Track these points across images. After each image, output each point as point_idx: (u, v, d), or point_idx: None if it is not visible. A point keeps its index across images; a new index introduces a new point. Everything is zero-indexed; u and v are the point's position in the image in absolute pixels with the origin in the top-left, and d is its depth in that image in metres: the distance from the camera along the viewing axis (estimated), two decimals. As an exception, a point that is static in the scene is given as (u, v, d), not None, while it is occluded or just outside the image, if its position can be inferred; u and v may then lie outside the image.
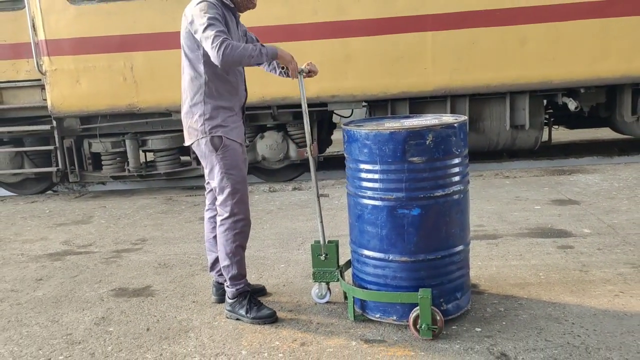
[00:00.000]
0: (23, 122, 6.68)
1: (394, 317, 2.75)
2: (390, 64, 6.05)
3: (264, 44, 2.84)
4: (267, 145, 6.70)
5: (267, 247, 4.17)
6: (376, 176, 2.68)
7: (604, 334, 2.57)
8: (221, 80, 2.90)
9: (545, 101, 6.79)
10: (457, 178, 2.72)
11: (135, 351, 2.68)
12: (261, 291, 3.29)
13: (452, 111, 6.32)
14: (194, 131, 2.94)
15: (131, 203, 6.03)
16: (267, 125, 6.77)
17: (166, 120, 6.52)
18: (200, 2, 2.82)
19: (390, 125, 2.76)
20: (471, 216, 4.54)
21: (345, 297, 2.98)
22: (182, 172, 6.79)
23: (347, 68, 6.12)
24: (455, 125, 2.66)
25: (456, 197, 2.72)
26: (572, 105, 6.22)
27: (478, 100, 6.34)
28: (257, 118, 6.72)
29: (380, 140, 2.62)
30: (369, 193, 2.72)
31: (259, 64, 2.90)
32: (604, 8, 5.78)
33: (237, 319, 2.95)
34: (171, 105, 6.31)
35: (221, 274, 3.09)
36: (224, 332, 2.83)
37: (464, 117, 2.79)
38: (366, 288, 2.82)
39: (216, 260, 3.13)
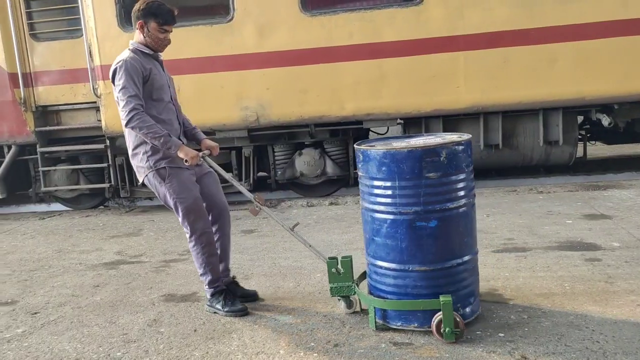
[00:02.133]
0: (79, 141, 7.17)
1: (415, 324, 2.93)
2: (424, 83, 6.27)
3: (171, 138, 3.11)
4: (305, 162, 6.98)
5: (305, 257, 4.41)
6: (395, 192, 2.85)
7: (622, 340, 2.70)
8: (156, 120, 3.16)
9: (581, 117, 6.87)
10: (465, 191, 2.93)
11: (184, 349, 2.96)
12: (253, 296, 3.57)
13: (486, 128, 6.48)
14: (141, 169, 3.29)
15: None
16: (305, 143, 7.06)
17: (210, 139, 6.87)
18: (118, 62, 3.16)
19: (399, 144, 2.95)
20: (502, 230, 4.72)
21: (362, 309, 3.18)
22: (224, 188, 7.11)
23: (382, 87, 6.36)
24: (463, 142, 2.87)
25: (465, 208, 2.93)
26: (605, 121, 6.29)
27: (511, 116, 6.47)
28: (295, 136, 7.01)
29: (398, 158, 2.81)
30: (388, 208, 2.89)
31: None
32: (634, 26, 5.86)
33: (215, 312, 3.37)
34: (215, 124, 6.68)
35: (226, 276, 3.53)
36: (263, 333, 3.07)
37: (469, 136, 2.99)
38: (386, 298, 3.00)
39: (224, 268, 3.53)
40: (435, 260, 2.88)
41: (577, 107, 6.38)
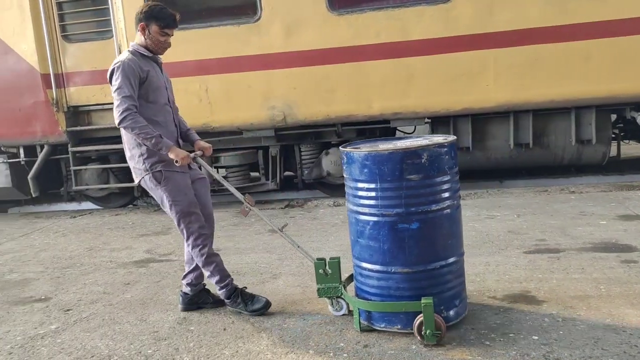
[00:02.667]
0: (109, 141, 7.27)
1: (399, 326, 2.92)
2: (452, 81, 6.19)
3: (162, 139, 3.14)
4: (332, 162, 6.96)
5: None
6: (377, 194, 2.86)
7: (662, 345, 2.62)
8: (151, 122, 3.20)
9: (614, 116, 6.71)
10: (449, 193, 2.91)
11: (214, 347, 2.97)
12: (222, 302, 3.51)
13: (516, 127, 6.37)
14: (138, 170, 3.32)
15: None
16: (332, 142, 7.04)
17: (238, 138, 6.92)
18: (116, 62, 3.22)
19: (385, 146, 2.93)
20: (533, 230, 4.63)
21: (350, 310, 3.16)
22: (251, 187, 7.15)
23: (410, 86, 6.30)
24: (446, 144, 2.86)
25: (449, 210, 2.92)
26: (640, 119, 6.13)
27: (542, 115, 6.35)
28: (322, 135, 7.00)
29: (379, 160, 2.81)
30: (370, 210, 2.89)
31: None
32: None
33: (239, 312, 3.38)
34: (242, 124, 6.71)
35: (187, 284, 3.50)
36: (292, 333, 3.07)
37: (453, 137, 2.97)
38: (370, 300, 3.00)
39: (191, 273, 3.50)
40: (417, 262, 2.88)
41: (611, 105, 6.23)
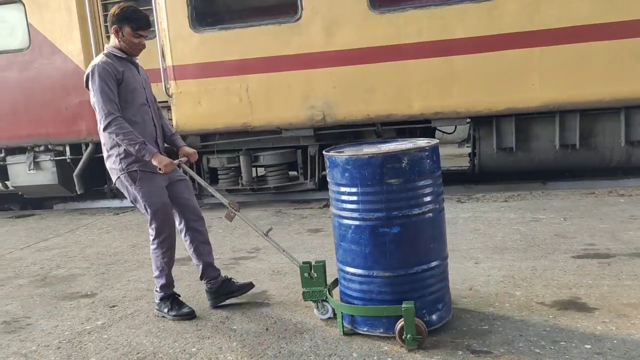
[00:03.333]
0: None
1: (381, 330, 2.93)
2: (496, 80, 6.05)
3: (146, 146, 3.18)
4: (371, 161, 6.90)
5: (373, 259, 4.34)
6: (358, 198, 2.86)
7: None
8: (130, 122, 3.23)
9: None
10: (430, 197, 2.90)
11: (257, 347, 2.97)
12: (249, 286, 3.66)
13: (562, 127, 6.20)
14: (114, 170, 3.36)
15: (244, 215, 6.45)
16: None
17: (277, 137, 6.93)
18: (91, 67, 3.23)
19: (369, 150, 2.93)
20: (582, 234, 4.50)
21: (335, 314, 3.13)
22: (290, 187, 7.17)
23: (452, 85, 6.20)
24: (427, 149, 2.85)
25: (431, 214, 2.91)
26: (695, 119, 5.88)
27: (590, 115, 6.15)
28: (361, 135, 6.95)
29: (360, 164, 2.81)
30: (352, 214, 2.90)
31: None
32: None
33: (163, 317, 3.48)
34: (282, 123, 6.72)
35: (207, 282, 3.59)
36: (335, 335, 3.04)
37: (436, 141, 2.96)
38: (353, 303, 3.00)
39: (205, 270, 3.59)
40: (398, 266, 2.87)
41: (663, 105, 6.00)
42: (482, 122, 6.51)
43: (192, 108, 6.85)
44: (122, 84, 3.24)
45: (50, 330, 3.45)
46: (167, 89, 6.88)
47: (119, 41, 3.31)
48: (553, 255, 4.05)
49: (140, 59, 7.43)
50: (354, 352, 2.83)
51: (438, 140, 2.99)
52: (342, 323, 3.03)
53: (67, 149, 7.60)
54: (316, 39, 6.41)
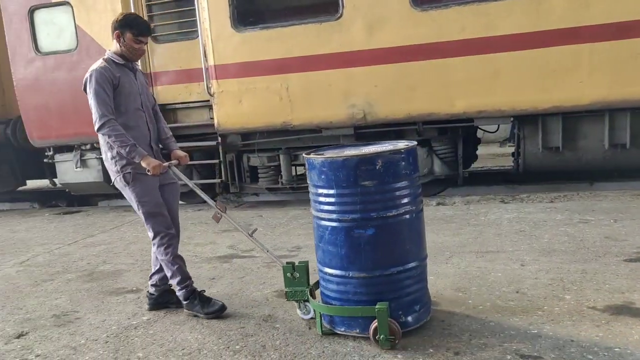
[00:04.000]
0: (194, 138, 7.50)
1: (357, 330, 2.96)
2: (542, 78, 5.90)
3: (137, 148, 3.28)
4: (412, 161, 6.83)
5: (416, 259, 4.29)
6: (333, 199, 2.91)
7: None
8: (124, 126, 3.34)
9: None
10: (407, 199, 2.92)
11: (300, 346, 2.96)
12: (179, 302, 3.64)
13: (611, 126, 6.00)
14: (112, 172, 3.47)
15: (284, 213, 6.49)
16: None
17: (316, 136, 6.92)
18: (90, 72, 3.34)
19: (344, 153, 2.96)
20: (634, 237, 4.35)
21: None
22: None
23: (495, 83, 6.07)
24: (402, 151, 2.87)
25: (407, 216, 2.92)
26: None
27: (640, 113, 5.94)
28: (402, 134, 6.89)
29: (335, 167, 2.86)
30: (329, 215, 2.94)
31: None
32: None
33: (195, 315, 3.48)
34: (322, 122, 6.72)
35: (152, 285, 3.69)
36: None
37: (413, 143, 2.97)
38: (331, 304, 3.04)
39: (153, 273, 3.69)
40: (374, 268, 2.90)
41: None
42: (526, 121, 6.36)
43: (233, 107, 6.91)
44: (118, 89, 3.35)
45: (98, 324, 3.52)
46: (208, 88, 6.96)
47: (120, 46, 3.42)
48: (604, 259, 3.92)
49: (182, 60, 7.54)
50: (398, 353, 2.79)
51: (416, 143, 3.01)
52: (321, 323, 3.07)
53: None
54: (357, 37, 6.37)
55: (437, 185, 7.06)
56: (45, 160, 8.10)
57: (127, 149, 3.28)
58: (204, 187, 7.75)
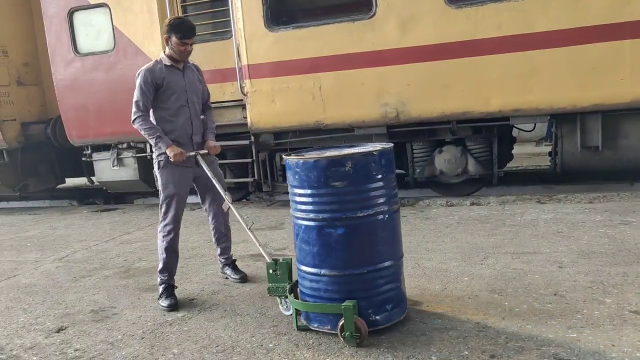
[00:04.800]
0: (227, 137, 7.57)
1: (328, 327, 3.05)
2: (581, 75, 5.75)
3: (162, 138, 3.69)
4: (445, 160, 6.76)
5: (449, 259, 4.24)
6: (307, 199, 3.02)
7: None
8: (165, 121, 3.77)
9: None
10: (380, 200, 2.99)
11: (333, 346, 2.96)
12: (244, 278, 4.13)
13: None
14: (152, 159, 3.84)
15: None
16: (446, 140, 6.83)
17: (349, 135, 6.90)
18: (139, 71, 3.74)
19: (327, 154, 3.05)
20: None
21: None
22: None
23: (532, 81, 5.94)
24: (374, 153, 2.96)
25: (380, 217, 2.99)
26: None
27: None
28: (435, 133, 6.81)
29: (307, 167, 2.97)
30: (303, 214, 3.05)
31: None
32: None
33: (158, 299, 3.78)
34: (354, 121, 6.69)
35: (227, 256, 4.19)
36: (413, 337, 2.98)
37: (389, 145, 3.08)
38: (306, 300, 3.14)
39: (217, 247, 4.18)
40: (344, 266, 2.99)
41: None
42: (564, 120, 6.22)
43: (266, 106, 6.95)
44: (162, 89, 3.72)
45: (134, 320, 3.59)
46: (242, 88, 7.02)
47: (169, 49, 3.74)
48: (646, 261, 3.80)
49: (216, 59, 7.60)
50: (432, 355, 2.76)
51: (390, 145, 3.10)
52: (296, 318, 3.17)
53: (148, 146, 7.90)
54: (390, 36, 6.33)
55: (471, 184, 6.96)
56: (83, 158, 8.29)
57: (154, 139, 3.69)
58: (237, 186, 7.86)
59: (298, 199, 3.08)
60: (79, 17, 7.65)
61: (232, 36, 7.02)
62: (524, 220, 5.18)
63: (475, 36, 6.06)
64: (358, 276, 2.99)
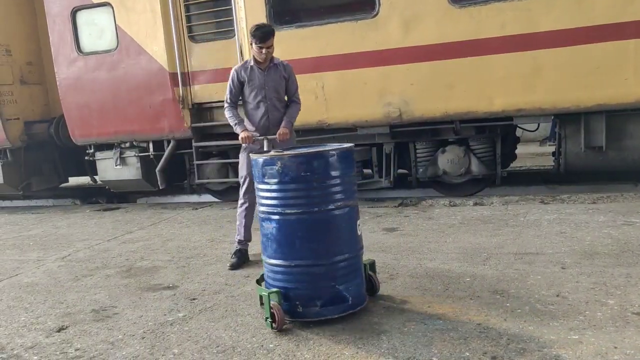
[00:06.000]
0: (229, 137, 7.55)
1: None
2: (585, 75, 5.73)
3: (239, 124, 4.35)
4: (448, 160, 6.74)
5: (452, 260, 4.23)
6: (261, 193, 3.34)
7: None
8: (248, 114, 4.48)
9: None
10: (303, 200, 3.18)
11: (334, 347, 2.94)
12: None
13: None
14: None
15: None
16: (449, 140, 6.81)
17: (351, 135, 6.88)
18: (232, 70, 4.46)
19: (286, 153, 3.30)
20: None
21: None
22: (364, 184, 7.11)
23: (536, 81, 5.92)
24: (301, 156, 3.21)
25: (306, 217, 3.18)
26: None
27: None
28: (438, 132, 6.79)
29: (254, 164, 3.35)
30: (259, 207, 3.41)
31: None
32: None
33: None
34: (357, 121, 6.68)
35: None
36: (413, 338, 2.96)
37: (345, 146, 3.30)
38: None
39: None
40: (275, 257, 3.28)
41: None
42: (568, 120, 6.20)
43: (269, 106, 6.92)
44: (245, 86, 4.38)
45: (135, 320, 3.58)
46: (244, 87, 7.00)
47: (252, 52, 4.31)
48: (649, 263, 3.78)
49: (219, 59, 7.59)
50: (433, 356, 2.74)
51: (347, 146, 3.30)
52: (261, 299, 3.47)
53: (151, 145, 7.91)
54: (394, 35, 6.31)
55: (474, 185, 6.94)
56: (86, 158, 8.30)
57: (233, 125, 4.40)
58: (237, 186, 7.84)
59: (258, 192, 3.40)
60: (82, 16, 7.65)
61: (234, 35, 7.01)
62: (527, 221, 5.15)
63: (479, 36, 6.04)
64: (287, 268, 3.24)
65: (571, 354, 2.63)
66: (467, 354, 2.74)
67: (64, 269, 4.95)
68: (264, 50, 4.18)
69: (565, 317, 3.04)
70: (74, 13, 7.64)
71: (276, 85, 4.37)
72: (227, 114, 4.42)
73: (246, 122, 4.45)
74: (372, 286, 3.59)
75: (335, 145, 3.38)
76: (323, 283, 3.23)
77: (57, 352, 3.20)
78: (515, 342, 2.81)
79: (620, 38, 5.56)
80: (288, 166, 3.16)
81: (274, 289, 3.22)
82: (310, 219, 3.20)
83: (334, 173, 3.22)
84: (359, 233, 3.40)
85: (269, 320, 3.18)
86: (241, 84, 4.38)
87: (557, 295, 3.35)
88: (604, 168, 6.26)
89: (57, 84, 7.96)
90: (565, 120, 6.23)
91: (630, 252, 4.01)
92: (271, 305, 3.15)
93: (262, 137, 4.31)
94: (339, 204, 3.24)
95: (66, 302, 4.05)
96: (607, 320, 2.96)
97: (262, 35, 4.15)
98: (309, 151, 3.32)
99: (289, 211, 3.20)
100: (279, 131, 4.31)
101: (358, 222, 3.41)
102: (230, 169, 7.74)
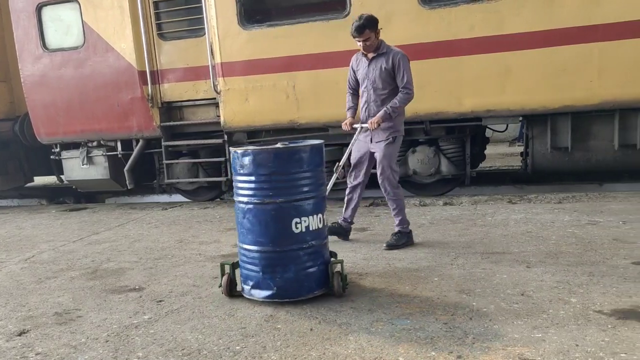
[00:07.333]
0: (199, 136, 7.49)
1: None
2: (552, 77, 5.83)
3: (347, 110, 4.82)
4: (419, 160, 6.79)
5: (420, 260, 4.25)
6: (237, 184, 3.61)
7: None
8: (357, 97, 4.79)
9: None
10: (249, 192, 3.51)
11: (301, 348, 2.93)
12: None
13: (621, 126, 5.91)
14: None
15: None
16: (419, 140, 6.85)
17: (323, 135, 6.87)
18: None
19: (264, 147, 3.59)
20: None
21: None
22: (337, 184, 7.09)
23: (505, 82, 6.01)
24: (247, 152, 3.47)
25: (251, 206, 3.54)
26: None
27: (652, 113, 5.85)
28: (409, 133, 6.82)
29: (232, 157, 3.61)
30: (235, 196, 3.69)
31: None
32: None
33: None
34: (329, 121, 6.67)
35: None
36: (381, 338, 2.96)
37: (315, 143, 3.58)
38: None
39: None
40: (239, 241, 3.70)
41: None
42: (535, 121, 6.30)
43: (240, 105, 6.89)
44: (355, 74, 4.73)
45: (99, 323, 3.51)
46: (215, 86, 6.94)
47: None
48: (611, 261, 3.86)
49: (189, 57, 7.51)
50: (400, 356, 2.75)
51: (313, 143, 3.54)
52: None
53: (119, 144, 7.78)
54: (364, 35, 6.30)
55: (444, 184, 7.00)
56: (52, 157, 8.12)
57: (346, 110, 4.82)
58: (209, 185, 7.78)
59: (236, 183, 3.64)
60: (47, 12, 7.49)
61: (205, 34, 6.94)
62: (494, 220, 5.22)
63: (449, 37, 6.10)
64: (242, 249, 3.66)
65: (534, 353, 2.67)
66: (433, 354, 2.75)
67: (27, 271, 4.82)
68: (360, 43, 4.46)
69: (529, 315, 3.08)
70: (39, 9, 7.48)
71: (379, 74, 4.53)
72: (348, 94, 4.82)
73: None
74: (343, 286, 3.60)
75: (314, 142, 3.65)
76: (252, 267, 3.63)
77: (18, 357, 3.11)
78: (480, 341, 2.83)
79: (586, 41, 5.67)
80: (257, 160, 3.47)
81: (230, 263, 3.77)
82: (252, 209, 3.56)
83: (261, 171, 3.54)
84: (296, 230, 3.51)
85: (220, 284, 3.78)
86: (354, 72, 4.71)
87: (522, 294, 3.39)
88: (570, 168, 6.38)
89: (22, 81, 7.77)
90: (533, 121, 6.33)
91: (593, 252, 4.09)
92: (227, 275, 3.74)
93: (357, 126, 4.66)
94: (259, 194, 3.55)
95: (28, 305, 3.94)
96: (570, 318, 3.01)
97: (355, 29, 4.42)
98: (298, 144, 3.66)
99: (242, 199, 3.58)
100: (370, 120, 4.54)
101: (295, 220, 3.51)
102: (200, 169, 7.66)
